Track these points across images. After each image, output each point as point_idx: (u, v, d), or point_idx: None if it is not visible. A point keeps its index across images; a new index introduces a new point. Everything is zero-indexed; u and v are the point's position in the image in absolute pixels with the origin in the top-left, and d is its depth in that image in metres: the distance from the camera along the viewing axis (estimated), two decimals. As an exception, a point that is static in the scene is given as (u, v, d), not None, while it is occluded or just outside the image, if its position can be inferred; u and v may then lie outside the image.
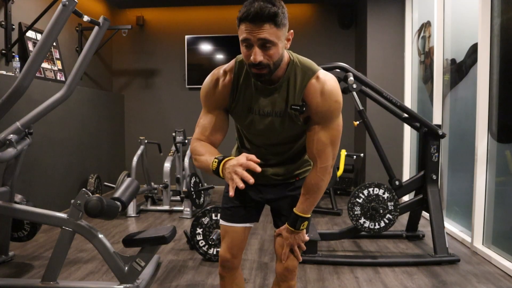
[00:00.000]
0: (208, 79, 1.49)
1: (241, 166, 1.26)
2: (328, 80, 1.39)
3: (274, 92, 1.41)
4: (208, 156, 1.41)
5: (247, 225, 1.64)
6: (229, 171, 1.28)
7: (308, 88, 1.39)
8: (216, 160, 1.35)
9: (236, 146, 1.71)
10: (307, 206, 1.50)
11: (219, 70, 1.48)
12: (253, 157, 1.28)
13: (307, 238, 1.57)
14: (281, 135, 1.48)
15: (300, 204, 1.51)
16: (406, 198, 4.09)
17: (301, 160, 1.61)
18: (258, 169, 1.27)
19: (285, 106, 1.41)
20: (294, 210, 1.51)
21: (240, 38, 1.29)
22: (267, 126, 1.45)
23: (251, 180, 1.23)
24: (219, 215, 2.93)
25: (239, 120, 1.51)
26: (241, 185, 1.22)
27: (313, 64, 1.43)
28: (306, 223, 1.51)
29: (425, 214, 3.68)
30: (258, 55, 1.27)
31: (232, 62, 1.47)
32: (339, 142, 1.47)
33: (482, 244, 3.24)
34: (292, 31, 1.39)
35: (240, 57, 1.44)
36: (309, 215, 1.51)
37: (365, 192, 3.07)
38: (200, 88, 1.57)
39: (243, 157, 1.28)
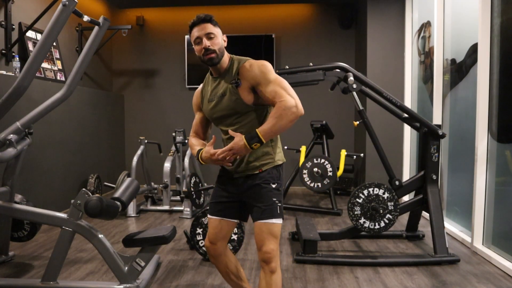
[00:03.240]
0: (195, 92, 2.05)
1: (212, 156, 1.79)
2: (255, 60, 1.86)
3: (221, 80, 1.88)
4: (195, 148, 1.93)
5: (224, 219, 1.93)
6: (208, 160, 1.82)
7: (240, 69, 1.83)
8: (197, 150, 1.88)
9: None
10: (267, 128, 1.73)
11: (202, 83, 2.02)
12: (213, 139, 1.84)
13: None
14: (231, 112, 1.84)
15: (264, 125, 1.76)
16: (406, 198, 4.09)
17: (261, 151, 1.86)
18: (227, 164, 1.82)
19: (227, 86, 1.85)
20: (257, 129, 1.75)
21: (193, 39, 1.84)
22: (219, 108, 1.87)
23: (228, 164, 1.79)
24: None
25: (206, 113, 1.96)
26: (227, 164, 1.79)
27: (248, 58, 1.89)
28: (258, 145, 1.74)
29: (425, 214, 3.68)
30: (207, 43, 1.80)
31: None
32: (289, 85, 1.80)
33: (482, 244, 3.24)
34: (225, 35, 1.90)
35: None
36: (264, 141, 1.74)
37: (365, 192, 3.07)
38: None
39: (209, 148, 1.80)
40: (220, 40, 1.84)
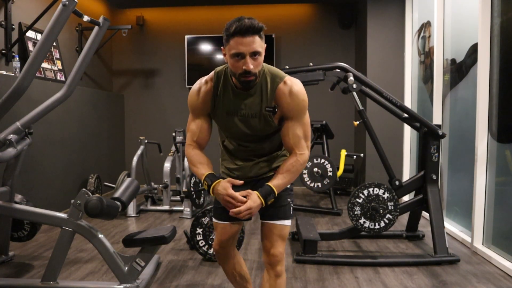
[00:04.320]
0: (192, 89, 1.71)
1: (228, 195, 1.60)
2: (294, 83, 1.63)
3: (249, 97, 1.63)
4: (201, 168, 1.70)
5: (233, 222, 1.80)
6: (220, 197, 1.63)
7: (278, 92, 1.61)
8: (206, 183, 1.66)
9: (220, 150, 1.87)
10: (282, 184, 1.65)
11: (201, 80, 1.70)
12: (236, 181, 1.64)
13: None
14: (257, 134, 1.68)
15: (276, 180, 1.65)
16: (406, 198, 4.09)
17: (272, 155, 1.79)
18: (241, 182, 1.65)
19: (260, 108, 1.63)
20: (269, 183, 1.64)
21: (233, 51, 1.50)
22: (244, 127, 1.66)
23: (242, 212, 1.60)
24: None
25: (220, 123, 1.72)
26: (235, 214, 1.60)
27: (281, 72, 1.66)
28: (272, 200, 1.65)
29: (425, 214, 3.68)
30: (250, 64, 1.50)
31: (212, 73, 1.69)
32: (309, 132, 1.71)
33: (482, 244, 3.24)
34: (265, 44, 1.59)
35: (218, 68, 1.68)
36: (276, 194, 1.65)
37: (365, 192, 3.07)
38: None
39: (227, 185, 1.62)
40: (262, 57, 1.55)
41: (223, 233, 1.82)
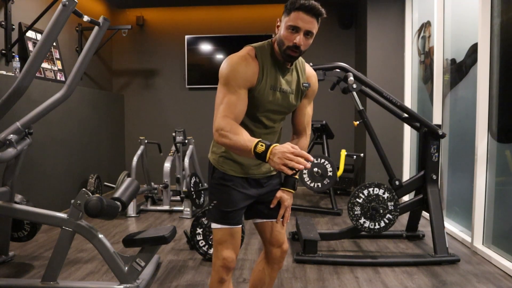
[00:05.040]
0: (236, 60, 1.58)
1: (293, 154, 1.33)
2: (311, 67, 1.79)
3: (289, 73, 1.69)
4: (246, 137, 1.46)
5: (242, 224, 1.87)
6: (279, 156, 1.35)
7: (307, 72, 1.75)
8: (263, 144, 1.40)
9: (223, 149, 1.74)
10: None
11: (240, 54, 1.61)
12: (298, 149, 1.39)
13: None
14: (286, 111, 1.73)
15: None
16: (406, 198, 4.09)
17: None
18: (310, 159, 1.35)
19: (298, 84, 1.71)
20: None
21: (290, 23, 1.53)
22: (282, 102, 1.68)
23: (308, 164, 1.33)
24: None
25: (261, 98, 1.62)
26: (301, 166, 1.31)
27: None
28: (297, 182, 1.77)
29: (425, 214, 3.68)
30: (301, 41, 1.54)
31: (250, 49, 1.63)
32: None
33: (482, 244, 3.24)
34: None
35: (255, 44, 1.65)
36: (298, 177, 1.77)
37: (365, 192, 3.07)
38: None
39: (289, 144, 1.39)
40: (312, 40, 1.60)
41: (238, 238, 1.70)
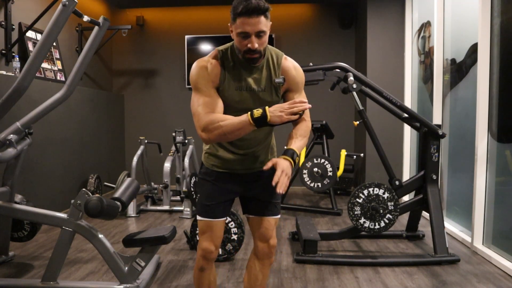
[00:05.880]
0: (196, 67, 1.67)
1: (289, 104, 1.53)
2: (292, 59, 1.78)
3: (258, 71, 1.68)
4: (236, 118, 1.57)
5: (224, 219, 1.85)
6: (280, 110, 1.52)
7: (283, 66, 1.72)
8: (258, 109, 1.54)
9: (207, 147, 1.85)
10: (300, 146, 1.70)
11: (204, 59, 1.69)
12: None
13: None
14: (262, 106, 1.65)
15: (294, 143, 1.68)
16: (406, 198, 4.09)
17: (269, 148, 1.85)
18: (308, 106, 1.55)
19: (270, 81, 1.69)
20: (291, 147, 1.66)
21: (238, 30, 1.55)
22: (253, 101, 1.69)
23: (308, 105, 1.54)
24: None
25: (230, 99, 1.68)
26: (303, 107, 1.53)
27: (278, 50, 1.77)
28: (298, 159, 1.72)
29: (425, 214, 3.68)
30: (255, 43, 1.55)
31: (214, 51, 1.70)
32: None
33: (482, 244, 3.24)
34: (271, 22, 1.63)
35: (220, 47, 1.70)
36: (299, 154, 1.72)
37: (365, 192, 3.07)
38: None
39: (281, 104, 1.56)
40: (267, 35, 1.60)
41: (217, 230, 1.82)
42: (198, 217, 1.83)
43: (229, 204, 1.87)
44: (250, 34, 1.54)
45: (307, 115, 1.78)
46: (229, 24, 1.62)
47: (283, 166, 1.56)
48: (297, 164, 1.69)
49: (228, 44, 1.70)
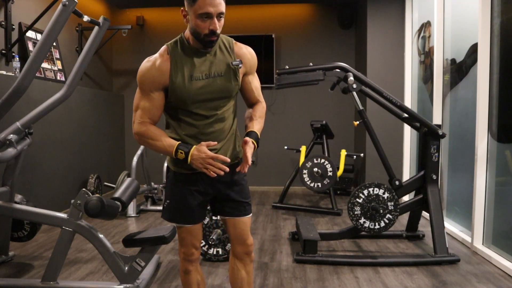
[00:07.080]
0: (145, 65, 1.68)
1: (211, 158, 1.59)
2: (243, 44, 1.78)
3: (212, 57, 1.67)
4: (166, 140, 1.66)
5: (202, 221, 1.85)
6: (200, 162, 1.59)
7: (237, 49, 1.72)
8: (182, 151, 1.61)
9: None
10: (260, 128, 1.78)
11: (152, 57, 1.69)
12: (211, 143, 1.62)
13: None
14: (222, 96, 1.69)
15: (255, 126, 1.75)
16: (406, 198, 4.09)
17: (234, 131, 1.80)
18: (227, 160, 1.61)
19: (226, 64, 1.68)
20: (253, 129, 1.73)
21: (200, 12, 1.54)
22: (210, 88, 1.66)
23: (227, 169, 1.60)
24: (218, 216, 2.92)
25: (184, 92, 1.63)
26: (221, 173, 1.59)
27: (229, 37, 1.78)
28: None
29: (425, 214, 3.68)
30: (217, 25, 1.57)
31: (162, 48, 1.70)
32: None
33: (482, 244, 3.24)
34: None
35: (168, 43, 1.70)
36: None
37: (365, 192, 3.07)
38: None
39: (204, 148, 1.60)
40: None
41: (196, 234, 1.82)
42: (175, 224, 1.82)
43: (205, 206, 1.83)
44: (213, 15, 1.55)
45: (260, 96, 1.84)
46: (182, 9, 1.62)
47: (250, 152, 1.64)
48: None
49: (176, 38, 1.70)
